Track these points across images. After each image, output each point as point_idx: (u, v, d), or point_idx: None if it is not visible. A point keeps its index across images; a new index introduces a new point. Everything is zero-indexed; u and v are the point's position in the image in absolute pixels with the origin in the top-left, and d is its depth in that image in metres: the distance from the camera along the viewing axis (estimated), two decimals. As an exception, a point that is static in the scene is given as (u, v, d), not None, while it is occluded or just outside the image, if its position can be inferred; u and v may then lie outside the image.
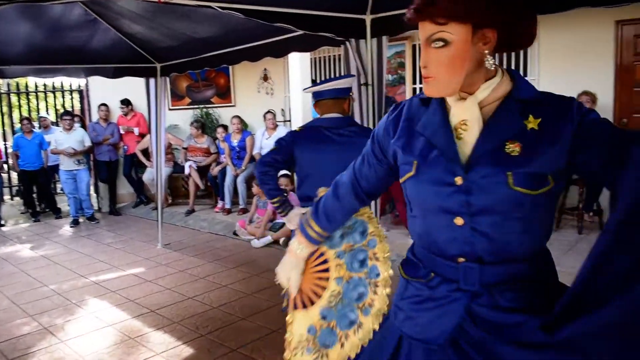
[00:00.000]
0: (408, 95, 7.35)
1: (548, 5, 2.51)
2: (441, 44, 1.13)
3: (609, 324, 0.95)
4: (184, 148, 8.00)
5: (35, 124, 8.84)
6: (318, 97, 2.63)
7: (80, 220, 7.66)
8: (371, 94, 3.51)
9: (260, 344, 3.36)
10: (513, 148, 1.12)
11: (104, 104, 8.18)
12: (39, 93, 9.33)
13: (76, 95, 9.51)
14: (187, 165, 7.71)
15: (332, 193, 1.50)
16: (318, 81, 7.82)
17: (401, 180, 1.30)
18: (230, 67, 8.52)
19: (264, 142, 7.28)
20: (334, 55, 7.97)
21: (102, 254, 5.83)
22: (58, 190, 9.27)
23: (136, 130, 8.20)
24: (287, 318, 1.59)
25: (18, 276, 5.11)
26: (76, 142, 7.39)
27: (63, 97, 9.71)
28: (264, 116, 7.35)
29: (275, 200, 2.60)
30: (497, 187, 1.12)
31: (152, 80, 5.64)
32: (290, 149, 2.56)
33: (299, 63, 6.47)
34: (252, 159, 7.35)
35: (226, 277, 4.80)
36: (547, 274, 1.23)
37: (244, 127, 7.76)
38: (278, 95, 8.49)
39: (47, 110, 9.75)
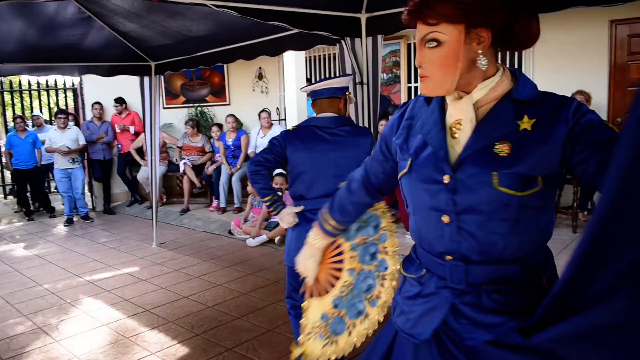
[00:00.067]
0: (403, 94, 7.36)
1: (542, 5, 2.51)
2: (435, 44, 1.14)
3: (583, 331, 0.94)
4: (178, 147, 7.97)
5: (29, 123, 8.80)
6: (314, 97, 2.64)
7: (75, 219, 7.63)
8: (366, 92, 3.51)
9: (255, 343, 3.36)
10: (502, 148, 1.13)
11: (98, 103, 8.14)
12: (32, 91, 9.29)
13: (70, 94, 9.46)
14: (181, 163, 7.69)
15: (345, 187, 1.56)
16: (313, 80, 7.84)
17: (398, 177, 1.33)
18: (225, 65, 8.51)
19: (258, 141, 7.27)
20: (329, 54, 7.98)
21: (96, 253, 5.81)
22: (52, 189, 9.24)
23: (132, 129, 8.18)
24: (303, 304, 1.67)
25: (12, 275, 5.08)
26: (70, 141, 7.37)
27: (57, 95, 9.67)
28: (259, 115, 7.35)
29: (266, 198, 2.62)
30: (481, 187, 1.13)
31: (146, 79, 5.62)
32: (283, 148, 2.57)
33: (294, 62, 6.46)
34: (247, 157, 7.34)
35: (221, 276, 4.79)
36: (541, 275, 1.21)
37: (238, 126, 7.75)
38: (273, 94, 8.49)
39: (40, 108, 9.70)
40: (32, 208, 8.17)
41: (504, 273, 1.17)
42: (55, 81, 9.17)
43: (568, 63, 5.64)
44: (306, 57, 7.45)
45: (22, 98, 9.38)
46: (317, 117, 2.62)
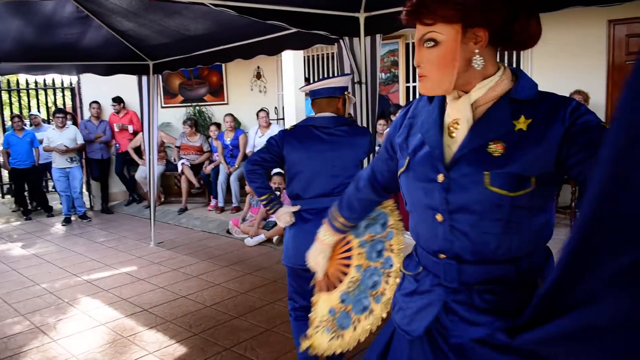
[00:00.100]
0: (401, 93, 7.36)
1: (541, 5, 2.51)
2: (432, 43, 1.15)
3: (571, 332, 0.94)
4: (176, 147, 7.96)
5: (27, 122, 8.78)
6: (313, 96, 2.64)
7: (72, 218, 7.62)
8: (365, 92, 3.50)
9: (253, 342, 3.36)
10: (495, 148, 1.13)
11: (96, 102, 8.13)
12: (30, 90, 9.27)
13: (68, 93, 9.46)
14: (179, 163, 7.68)
15: (354, 185, 1.59)
16: (311, 80, 7.83)
17: (397, 175, 1.34)
18: (223, 65, 8.49)
19: (257, 141, 7.27)
20: (328, 54, 7.97)
21: (94, 252, 5.80)
22: (49, 189, 9.22)
23: (130, 128, 8.17)
24: (312, 298, 1.72)
25: (9, 275, 5.07)
26: (69, 140, 7.36)
27: (54, 94, 9.65)
28: (257, 114, 7.34)
29: (263, 197, 2.62)
30: (473, 186, 1.13)
31: (144, 78, 5.61)
32: (280, 148, 2.57)
33: (292, 61, 6.45)
34: (245, 157, 7.33)
35: (219, 275, 4.79)
36: (538, 276, 1.20)
37: (237, 125, 7.74)
38: (271, 94, 8.48)
39: (38, 108, 9.66)
40: (29, 207, 8.16)
41: (497, 273, 1.17)
42: (53, 80, 9.16)
43: (566, 63, 5.65)
44: (304, 57, 7.44)
45: (19, 97, 9.36)
46: (315, 116, 2.62)
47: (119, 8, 4.12)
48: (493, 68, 1.18)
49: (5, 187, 9.32)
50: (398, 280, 1.56)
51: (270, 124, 7.37)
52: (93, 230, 7.06)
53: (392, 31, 3.43)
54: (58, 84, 9.29)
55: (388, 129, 1.51)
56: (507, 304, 1.15)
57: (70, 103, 9.34)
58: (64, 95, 9.54)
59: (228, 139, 7.50)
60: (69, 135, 7.39)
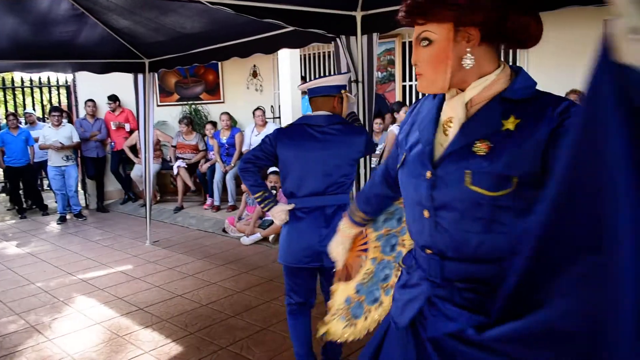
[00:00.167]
0: (397, 92, 7.37)
1: (537, 4, 2.51)
2: (427, 42, 1.17)
3: (522, 334, 0.99)
4: (172, 146, 7.94)
5: (22, 120, 8.74)
6: (310, 95, 2.63)
7: (68, 217, 7.59)
8: (361, 91, 3.50)
9: (249, 341, 3.36)
10: (480, 147, 1.14)
11: (91, 100, 8.10)
12: (25, 88, 9.23)
13: (63, 91, 9.42)
14: (175, 166, 7.64)
15: (370, 180, 1.65)
16: (308, 78, 7.83)
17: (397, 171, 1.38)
18: (219, 63, 8.48)
19: (253, 139, 7.26)
20: (324, 52, 7.97)
21: (89, 251, 5.78)
22: (44, 187, 9.18)
23: (127, 126, 8.15)
24: (332, 287, 1.81)
25: (4, 274, 5.05)
26: (65, 138, 7.34)
27: (50, 92, 9.61)
28: (253, 113, 7.33)
29: (257, 195, 2.62)
30: (455, 184, 1.15)
31: (140, 76, 5.59)
32: (273, 147, 2.57)
33: (288, 59, 6.43)
34: (241, 155, 7.32)
35: (215, 274, 4.78)
36: None
37: (233, 124, 7.73)
38: (267, 92, 8.47)
39: (33, 106, 9.63)
40: (24, 206, 8.13)
41: (481, 272, 1.17)
42: (49, 78, 9.13)
43: (563, 62, 5.66)
44: (301, 55, 7.43)
45: (14, 95, 9.32)
46: (310, 115, 2.62)
47: (115, 5, 4.10)
48: (491, 66, 1.18)
49: (0, 186, 9.27)
50: None
51: (266, 122, 7.36)
52: (88, 228, 7.03)
53: (389, 30, 3.42)
54: (53, 82, 9.26)
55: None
56: (488, 304, 1.15)
57: (66, 101, 9.30)
58: (59, 94, 9.49)
59: (224, 137, 7.48)
60: (65, 134, 7.37)
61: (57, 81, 9.28)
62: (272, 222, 5.76)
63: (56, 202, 7.63)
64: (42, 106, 9.69)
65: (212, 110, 8.80)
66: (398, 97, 7.33)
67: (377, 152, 6.05)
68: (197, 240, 6.15)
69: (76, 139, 7.50)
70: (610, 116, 0.85)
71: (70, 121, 8.19)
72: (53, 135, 7.28)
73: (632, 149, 0.81)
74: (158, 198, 8.18)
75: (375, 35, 3.42)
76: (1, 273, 5.08)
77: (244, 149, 7.33)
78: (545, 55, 5.74)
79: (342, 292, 1.77)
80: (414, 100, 7.19)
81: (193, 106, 8.88)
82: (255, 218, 5.96)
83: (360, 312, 1.72)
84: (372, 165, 5.79)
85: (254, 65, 8.46)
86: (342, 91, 2.62)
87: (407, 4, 1.17)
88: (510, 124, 1.12)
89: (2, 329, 3.69)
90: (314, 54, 8.13)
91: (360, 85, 3.47)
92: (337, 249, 1.76)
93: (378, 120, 6.24)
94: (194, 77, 9.00)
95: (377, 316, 1.67)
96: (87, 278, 4.80)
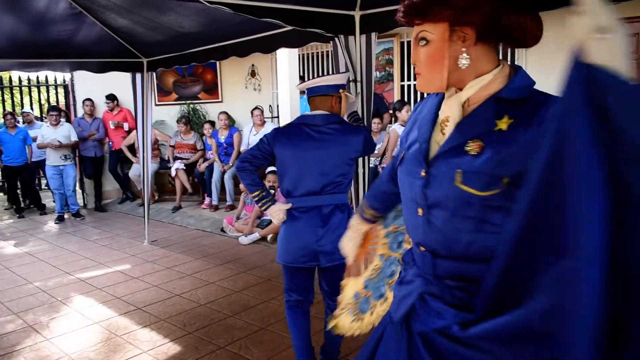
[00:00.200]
0: (396, 92, 7.36)
1: (535, 4, 2.51)
2: (424, 42, 1.19)
3: (504, 332, 1.02)
4: (171, 146, 7.93)
5: (19, 119, 8.73)
6: (309, 94, 2.63)
7: (66, 216, 7.58)
8: (360, 90, 3.50)
9: (248, 341, 3.35)
10: (472, 147, 1.14)
11: (89, 99, 8.09)
12: (22, 88, 9.21)
13: (61, 90, 9.40)
14: (173, 168, 7.62)
15: (379, 177, 1.67)
16: (306, 78, 7.82)
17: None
18: (217, 62, 8.47)
19: (251, 139, 7.25)
20: (323, 52, 7.96)
21: (87, 250, 5.78)
22: (42, 186, 9.16)
23: (126, 126, 8.14)
24: (342, 282, 1.84)
25: (2, 273, 5.04)
26: (63, 137, 7.33)
27: (48, 91, 9.59)
28: (252, 112, 7.32)
29: (254, 194, 2.63)
30: (446, 183, 1.17)
31: (138, 76, 5.58)
32: (271, 146, 2.57)
33: (287, 59, 6.43)
34: (239, 155, 7.31)
35: (213, 274, 4.78)
36: None
37: (231, 123, 7.72)
38: (266, 92, 8.46)
39: (31, 105, 9.60)
40: (22, 205, 8.12)
41: (472, 272, 1.17)
42: (46, 77, 9.10)
43: (560, 61, 5.63)
44: (299, 55, 7.43)
45: (12, 94, 9.30)
46: (307, 114, 2.62)
47: (113, 5, 4.10)
48: (488, 66, 1.18)
49: (-2, 185, 9.26)
50: None
51: (264, 122, 7.36)
52: (86, 228, 7.02)
53: (388, 29, 3.41)
54: (51, 81, 9.23)
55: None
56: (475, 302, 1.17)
57: (64, 100, 9.28)
58: (57, 93, 9.49)
59: (222, 137, 7.48)
60: (63, 133, 7.36)
61: (55, 80, 9.25)
62: (270, 222, 5.76)
63: (54, 201, 7.62)
64: (40, 105, 9.68)
65: (211, 110, 8.79)
66: (396, 97, 7.33)
67: (375, 151, 6.04)
68: (195, 239, 6.15)
69: (74, 138, 7.49)
70: (576, 117, 0.87)
71: (68, 120, 8.19)
72: (51, 134, 7.28)
73: (594, 149, 0.83)
74: (156, 197, 8.18)
75: (373, 35, 3.42)
76: (-1, 272, 5.07)
77: (242, 148, 7.32)
78: (544, 55, 5.75)
79: (351, 287, 1.80)
80: (412, 100, 7.19)
81: (191, 105, 8.86)
82: (253, 217, 5.96)
83: (367, 307, 1.75)
84: (371, 165, 5.80)
85: (253, 65, 8.45)
86: (340, 90, 2.62)
87: (404, 4, 1.18)
88: (503, 123, 1.13)
89: (0, 328, 3.69)
90: (313, 53, 8.13)
91: (358, 84, 3.47)
92: (348, 244, 1.78)
93: (376, 120, 6.24)
94: (192, 77, 8.99)
95: (382, 311, 1.70)
96: (85, 277, 4.80)
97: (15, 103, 9.33)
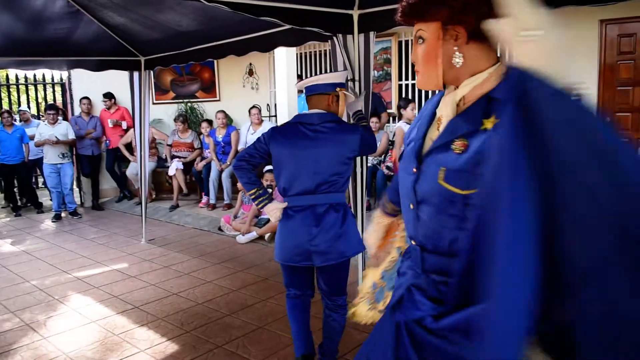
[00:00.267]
0: (394, 91, 7.37)
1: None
2: (421, 41, 1.22)
3: (462, 325, 1.08)
4: (168, 145, 7.92)
5: (16, 117, 8.70)
6: (306, 93, 2.63)
7: (63, 215, 7.56)
8: (358, 90, 3.50)
9: (245, 340, 3.35)
10: (457, 146, 1.16)
11: (87, 98, 8.07)
12: (19, 86, 9.18)
13: (58, 89, 9.38)
14: (172, 167, 7.61)
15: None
16: (304, 77, 7.82)
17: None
18: (215, 61, 8.47)
19: (249, 137, 7.24)
20: (321, 51, 7.96)
21: (85, 249, 5.77)
22: (39, 185, 9.13)
23: (124, 124, 8.12)
24: (364, 272, 1.90)
25: (-2, 272, 5.03)
26: (60, 136, 7.32)
27: (45, 90, 9.56)
28: (249, 111, 7.32)
29: (251, 192, 2.63)
30: (432, 181, 1.20)
31: (135, 74, 5.57)
32: (267, 145, 2.59)
33: (285, 58, 6.43)
34: (237, 154, 7.30)
35: (211, 273, 4.77)
36: None
37: (228, 122, 7.71)
38: (263, 90, 8.46)
39: (28, 103, 9.57)
40: (19, 204, 8.10)
41: (451, 266, 1.19)
42: (44, 75, 9.08)
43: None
44: (297, 54, 7.43)
45: (9, 92, 9.28)
46: (304, 113, 2.62)
47: (110, 3, 4.08)
48: (484, 64, 1.18)
49: (-6, 183, 9.23)
50: None
51: (262, 121, 7.35)
52: (83, 227, 7.01)
53: (386, 29, 3.41)
54: (48, 79, 9.21)
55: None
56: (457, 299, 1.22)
57: (61, 99, 9.26)
58: (54, 91, 9.44)
59: (220, 135, 7.47)
60: (61, 131, 7.35)
61: (52, 78, 9.24)
62: (268, 221, 5.75)
63: (51, 200, 7.60)
64: (37, 104, 9.64)
65: (208, 109, 8.78)
66: (394, 96, 7.34)
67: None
68: (193, 238, 6.14)
69: (72, 136, 7.48)
70: (506, 119, 0.90)
71: (66, 119, 8.17)
72: (49, 132, 7.26)
73: (517, 159, 0.87)
74: (153, 196, 8.17)
75: (372, 34, 3.41)
76: (-5, 271, 5.06)
77: (240, 147, 7.32)
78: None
79: (370, 277, 1.85)
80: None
81: (189, 104, 8.85)
82: (251, 216, 5.95)
83: (381, 297, 1.80)
84: (369, 165, 5.80)
85: (250, 64, 8.44)
86: (338, 89, 2.61)
87: (403, 4, 1.21)
88: (489, 123, 1.13)
89: (-4, 327, 3.68)
90: (311, 52, 8.12)
91: (357, 84, 3.47)
92: (371, 237, 1.83)
93: (374, 119, 6.24)
94: (189, 75, 8.98)
95: None
96: (82, 276, 4.79)
97: (12, 101, 9.31)
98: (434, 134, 1.25)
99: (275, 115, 7.68)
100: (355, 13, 3.37)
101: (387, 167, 6.13)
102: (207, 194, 7.41)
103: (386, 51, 7.36)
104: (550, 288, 0.92)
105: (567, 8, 2.64)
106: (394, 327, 1.31)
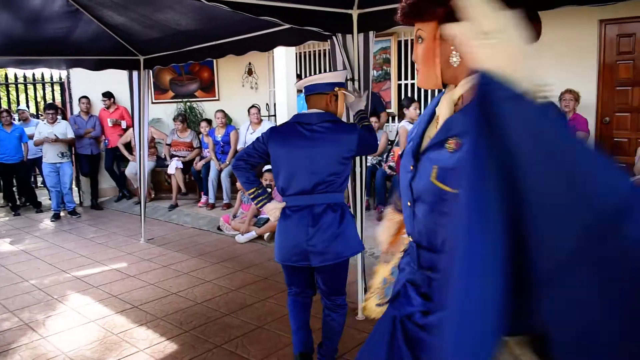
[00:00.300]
0: (393, 91, 7.36)
1: (531, 4, 2.51)
2: (420, 40, 1.23)
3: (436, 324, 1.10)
4: (167, 144, 7.92)
5: (15, 116, 8.69)
6: (305, 92, 2.63)
7: (62, 214, 7.56)
8: (357, 89, 3.50)
9: (244, 339, 3.35)
10: (450, 144, 1.17)
11: (86, 97, 8.07)
12: (19, 85, 9.17)
13: (57, 88, 9.37)
14: (171, 166, 7.61)
15: None
16: (303, 76, 7.81)
17: None
18: (214, 60, 8.46)
19: (248, 137, 7.24)
20: (320, 50, 7.96)
21: (84, 248, 5.76)
22: (38, 184, 9.12)
23: (124, 123, 8.12)
24: (375, 267, 1.89)
25: (-3, 271, 5.03)
26: (60, 135, 7.32)
27: (44, 89, 9.55)
28: (249, 111, 7.31)
29: (250, 191, 2.64)
30: (425, 179, 1.21)
31: (135, 73, 5.57)
32: (265, 144, 2.59)
33: (284, 57, 6.43)
34: (236, 153, 7.30)
35: (210, 272, 4.77)
36: None
37: (228, 122, 7.71)
38: (262, 90, 8.46)
39: (27, 102, 9.56)
40: (18, 203, 8.10)
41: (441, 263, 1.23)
42: (43, 75, 9.07)
43: (557, 62, 5.67)
44: (297, 53, 7.42)
45: (8, 92, 9.27)
46: (303, 113, 2.62)
47: (110, 2, 4.08)
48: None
49: (-6, 183, 9.22)
50: None
51: (261, 120, 7.35)
52: (82, 226, 7.00)
53: (385, 28, 3.42)
54: (47, 78, 9.20)
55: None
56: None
57: (60, 98, 9.25)
58: (53, 90, 9.44)
59: (219, 135, 7.46)
60: (60, 130, 7.35)
61: (51, 78, 9.23)
62: (267, 220, 5.75)
63: (50, 199, 7.59)
64: (36, 103, 9.63)
65: (207, 108, 8.77)
66: (393, 96, 7.34)
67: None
68: (192, 238, 6.14)
69: (71, 135, 7.48)
70: (469, 124, 0.94)
71: (65, 118, 8.16)
72: (48, 131, 7.26)
73: (475, 154, 0.89)
74: (152, 196, 8.16)
75: (371, 34, 3.42)
76: (-6, 270, 5.05)
77: (239, 146, 7.31)
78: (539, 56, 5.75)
79: (381, 273, 1.87)
80: (409, 99, 7.19)
81: (188, 104, 8.85)
82: (250, 216, 5.95)
83: (389, 293, 1.80)
84: (368, 164, 5.80)
85: (249, 63, 8.44)
86: (336, 89, 2.61)
87: (401, 5, 1.21)
88: None
89: (-5, 326, 3.68)
90: (310, 52, 8.12)
91: (356, 83, 3.47)
92: (383, 233, 1.84)
93: (373, 119, 6.24)
94: (188, 75, 8.97)
95: None
96: (81, 276, 4.78)
97: (11, 100, 9.30)
98: (432, 132, 1.26)
99: (275, 115, 7.67)
100: (354, 13, 3.37)
101: (390, 167, 6.13)
102: (206, 194, 7.40)
103: (385, 51, 7.35)
104: (521, 289, 0.94)
105: (566, 8, 2.65)
106: (390, 322, 1.33)
